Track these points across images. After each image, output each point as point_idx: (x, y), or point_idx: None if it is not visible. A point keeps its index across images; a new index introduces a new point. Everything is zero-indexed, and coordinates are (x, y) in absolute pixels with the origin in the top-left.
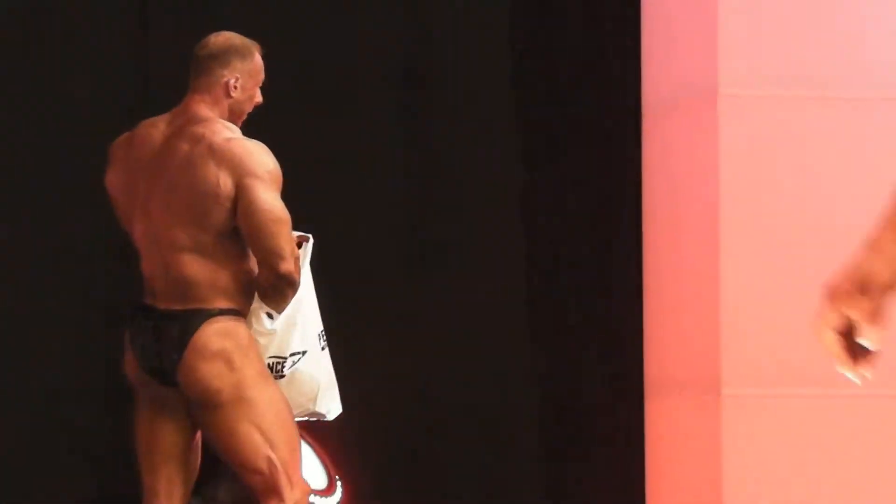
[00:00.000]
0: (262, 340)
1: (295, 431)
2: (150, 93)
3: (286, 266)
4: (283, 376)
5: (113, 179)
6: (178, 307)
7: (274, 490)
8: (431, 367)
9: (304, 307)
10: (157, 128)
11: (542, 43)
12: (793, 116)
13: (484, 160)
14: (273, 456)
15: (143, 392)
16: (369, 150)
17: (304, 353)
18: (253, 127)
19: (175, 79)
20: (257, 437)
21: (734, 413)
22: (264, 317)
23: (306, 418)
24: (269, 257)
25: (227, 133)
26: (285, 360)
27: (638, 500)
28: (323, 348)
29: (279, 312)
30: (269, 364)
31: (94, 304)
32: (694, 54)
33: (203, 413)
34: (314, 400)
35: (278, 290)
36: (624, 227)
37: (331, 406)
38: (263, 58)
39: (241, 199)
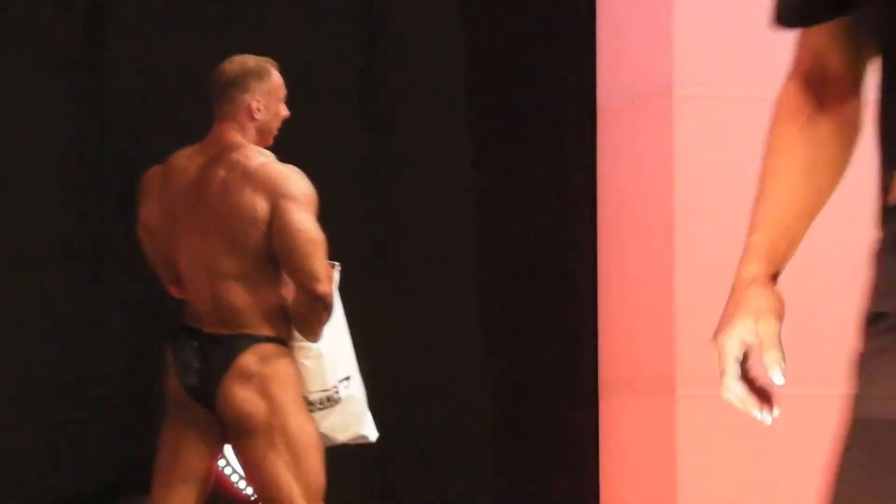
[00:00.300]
0: (309, 364)
1: (321, 463)
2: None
3: (322, 288)
4: (339, 401)
5: (148, 211)
6: (223, 332)
7: None
8: (384, 367)
9: (340, 332)
10: (190, 158)
11: (496, 40)
12: (748, 117)
13: (437, 159)
14: (295, 492)
15: (177, 411)
16: (322, 149)
17: (348, 377)
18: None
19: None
20: (282, 470)
21: (689, 412)
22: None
23: (353, 441)
24: (305, 279)
25: (262, 158)
26: (338, 386)
27: (592, 498)
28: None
29: (313, 340)
30: (326, 394)
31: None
32: (649, 54)
33: (237, 438)
34: (360, 422)
35: (314, 313)
36: (578, 226)
37: (370, 428)
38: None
39: (275, 221)
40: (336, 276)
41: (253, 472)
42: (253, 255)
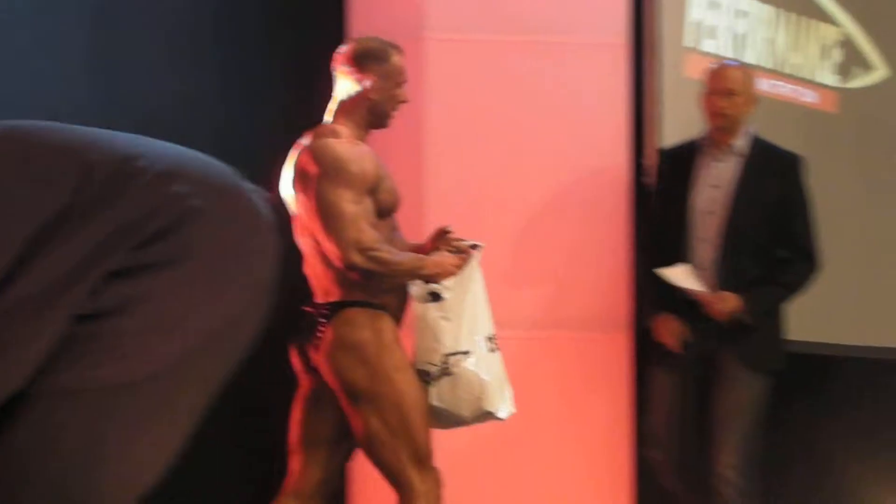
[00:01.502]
0: (443, 323)
1: (424, 426)
2: None
3: (344, 258)
4: (450, 374)
5: (286, 190)
6: (323, 300)
7: (402, 484)
8: None
9: (470, 310)
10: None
11: None
12: (497, 59)
13: (182, 94)
14: (396, 457)
15: (301, 381)
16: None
17: (466, 352)
18: None
19: None
20: (385, 434)
21: None
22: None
23: (478, 418)
24: (330, 252)
25: (327, 137)
26: (449, 360)
27: None
28: (492, 350)
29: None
30: (440, 365)
31: None
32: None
33: (344, 403)
34: (481, 399)
35: (360, 275)
36: None
37: (500, 406)
38: None
39: (310, 194)
40: (478, 256)
41: (359, 434)
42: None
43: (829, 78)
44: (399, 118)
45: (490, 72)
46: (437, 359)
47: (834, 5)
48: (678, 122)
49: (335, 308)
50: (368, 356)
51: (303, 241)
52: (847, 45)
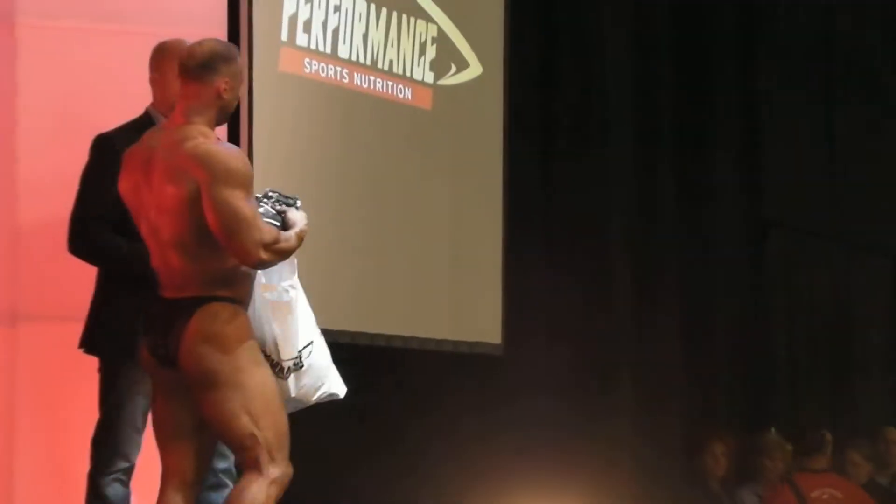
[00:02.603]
0: (279, 332)
1: (282, 416)
2: None
3: (252, 259)
4: (303, 367)
5: (123, 185)
6: (178, 295)
7: (255, 465)
8: None
9: (303, 296)
10: (154, 135)
11: None
12: (91, 49)
13: None
14: (258, 434)
15: (154, 378)
16: None
17: (311, 343)
18: None
19: None
20: (244, 418)
21: None
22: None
23: (324, 400)
24: (236, 255)
25: (200, 139)
26: (301, 353)
27: None
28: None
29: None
30: (292, 361)
31: None
32: None
33: (198, 393)
34: (325, 381)
35: (263, 268)
36: None
37: (339, 386)
38: None
39: (203, 198)
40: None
41: (216, 421)
42: (194, 228)
43: (424, 74)
44: None
45: (83, 61)
46: (293, 354)
47: (429, 2)
48: (272, 118)
49: (196, 303)
50: (230, 348)
51: (150, 236)
52: (442, 41)
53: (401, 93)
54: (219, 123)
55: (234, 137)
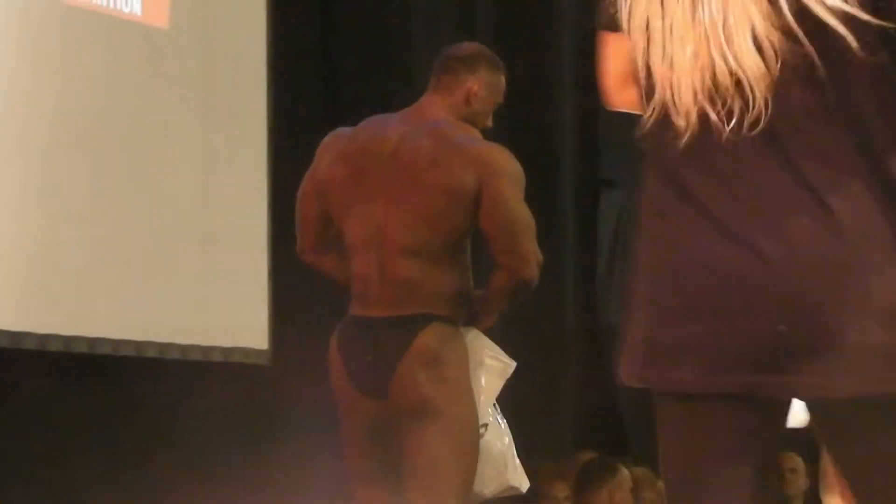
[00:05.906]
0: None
1: (475, 460)
2: None
3: (530, 272)
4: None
5: (328, 172)
6: (397, 312)
7: None
8: None
9: (478, 376)
10: (390, 126)
11: None
12: None
13: None
14: (454, 485)
15: (360, 408)
16: None
17: (485, 425)
18: None
19: None
20: (446, 461)
21: None
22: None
23: (501, 493)
24: (515, 261)
25: (473, 133)
26: (486, 424)
27: None
28: (500, 420)
29: (487, 325)
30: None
31: None
32: None
33: (406, 420)
34: (505, 472)
35: (511, 297)
36: None
37: (522, 479)
38: None
39: (486, 199)
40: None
41: (418, 457)
42: (445, 233)
43: None
44: None
45: None
46: (485, 419)
47: None
48: None
49: (419, 321)
50: (449, 375)
51: (367, 241)
52: None
53: (126, 5)
54: None
55: None
